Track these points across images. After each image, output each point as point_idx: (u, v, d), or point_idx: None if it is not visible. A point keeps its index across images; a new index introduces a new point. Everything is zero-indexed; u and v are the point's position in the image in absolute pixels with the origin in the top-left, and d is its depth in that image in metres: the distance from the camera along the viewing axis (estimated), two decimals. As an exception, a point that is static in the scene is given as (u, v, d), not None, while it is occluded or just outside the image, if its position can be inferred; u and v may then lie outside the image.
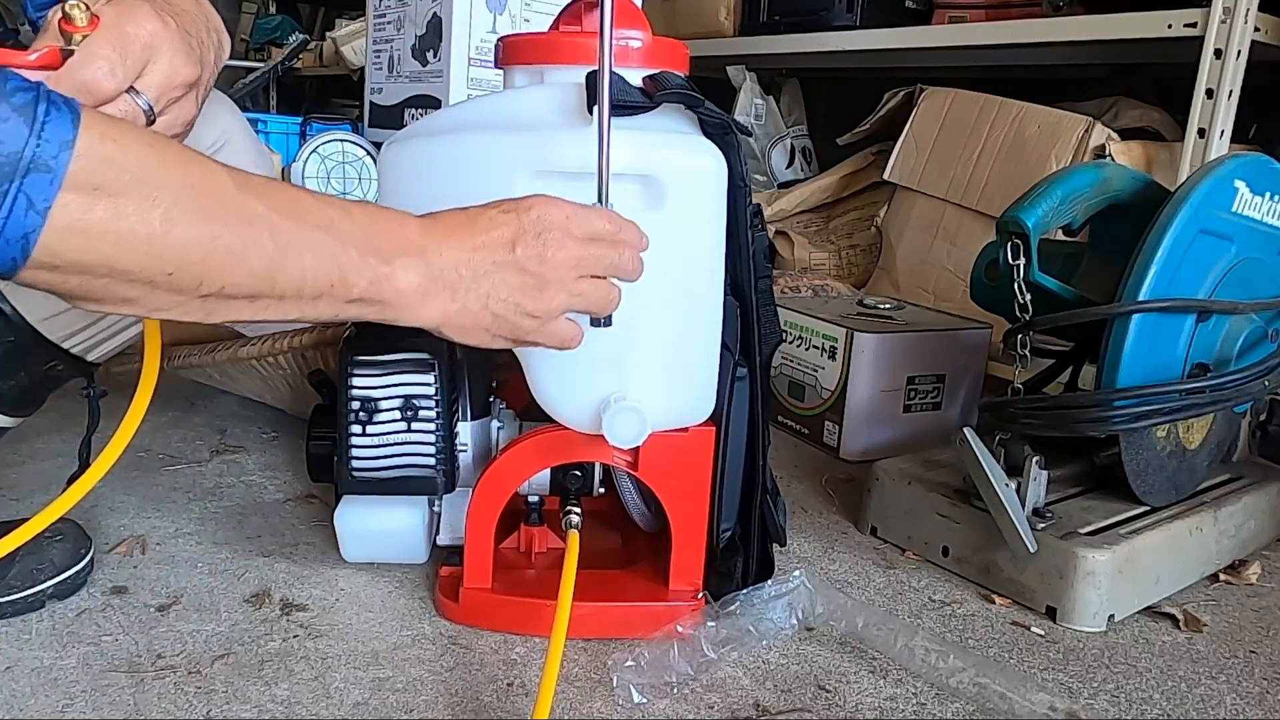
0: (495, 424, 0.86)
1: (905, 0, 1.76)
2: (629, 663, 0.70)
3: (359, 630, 0.77)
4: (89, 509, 0.94)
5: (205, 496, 1.01)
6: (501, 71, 0.80)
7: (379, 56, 1.87)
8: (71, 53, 0.55)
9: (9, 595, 0.75)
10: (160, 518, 0.95)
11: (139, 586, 0.81)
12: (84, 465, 0.81)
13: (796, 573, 0.82)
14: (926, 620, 0.85)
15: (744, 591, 0.80)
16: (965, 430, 0.88)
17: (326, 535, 0.92)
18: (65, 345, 0.72)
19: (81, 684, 0.68)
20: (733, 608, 0.78)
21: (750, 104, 1.97)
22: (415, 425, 0.79)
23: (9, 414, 0.73)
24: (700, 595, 0.80)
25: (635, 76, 0.72)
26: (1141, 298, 0.83)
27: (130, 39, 0.56)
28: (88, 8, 0.53)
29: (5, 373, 0.71)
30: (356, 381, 0.78)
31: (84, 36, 0.55)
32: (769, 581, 0.82)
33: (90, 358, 0.76)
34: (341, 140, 1.82)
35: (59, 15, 0.53)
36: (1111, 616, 0.85)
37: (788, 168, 2.05)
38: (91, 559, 0.81)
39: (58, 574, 0.77)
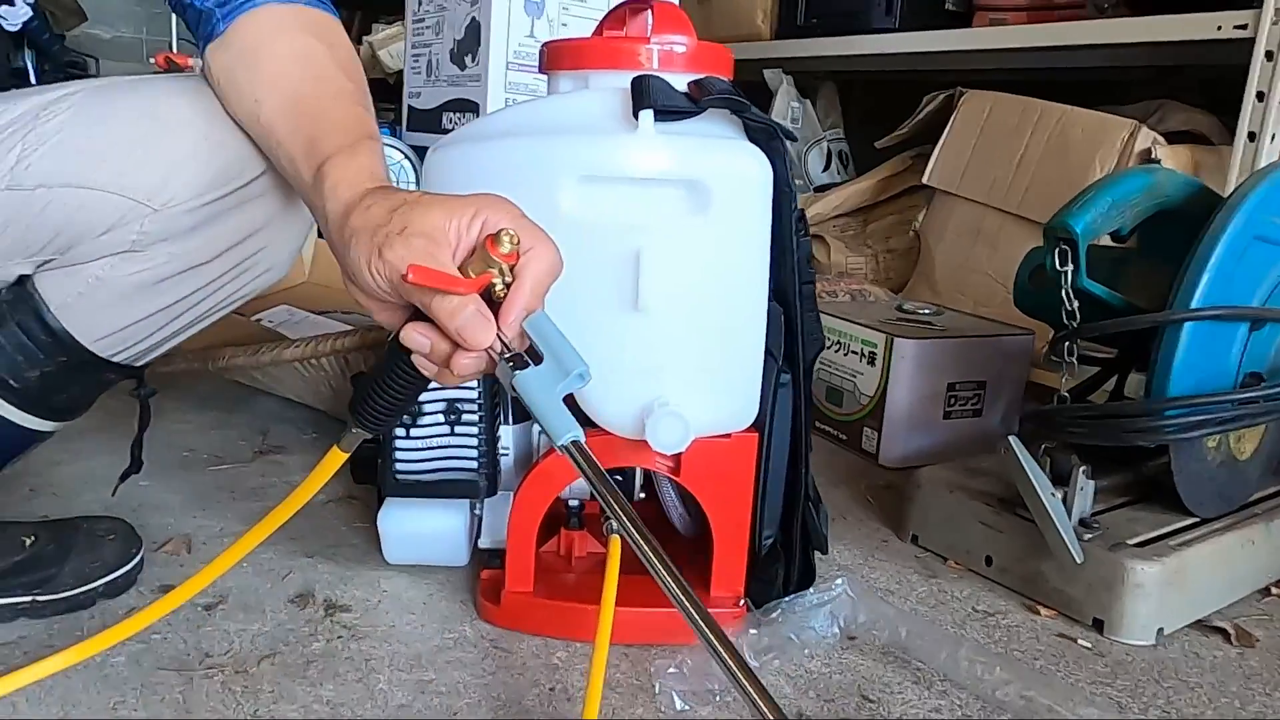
0: (536, 428, 0.87)
1: (945, 2, 1.75)
2: (671, 670, 0.70)
3: (401, 632, 0.77)
4: (136, 507, 0.96)
5: (249, 496, 1.02)
6: (545, 77, 0.80)
7: (417, 61, 1.89)
8: (489, 284, 0.53)
9: (61, 593, 0.76)
10: (205, 517, 0.96)
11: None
12: (136, 463, 0.82)
13: (838, 581, 0.82)
14: (970, 631, 0.84)
15: (786, 599, 0.80)
16: (1010, 438, 0.86)
17: (368, 536, 0.92)
18: (115, 360, 0.73)
19: (132, 682, 0.69)
20: (774, 615, 0.78)
21: (787, 107, 1.96)
22: (458, 429, 0.79)
23: (58, 419, 0.75)
24: (742, 602, 0.80)
25: (680, 81, 0.72)
26: (1194, 305, 0.82)
27: (538, 300, 0.55)
28: (517, 242, 0.53)
29: (59, 388, 0.72)
30: (401, 385, 0.79)
31: (501, 266, 0.53)
32: (811, 589, 0.81)
33: (138, 364, 0.77)
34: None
35: (489, 233, 0.53)
36: (1160, 630, 0.83)
37: (824, 171, 2.04)
38: (141, 558, 0.82)
39: (109, 573, 0.78)
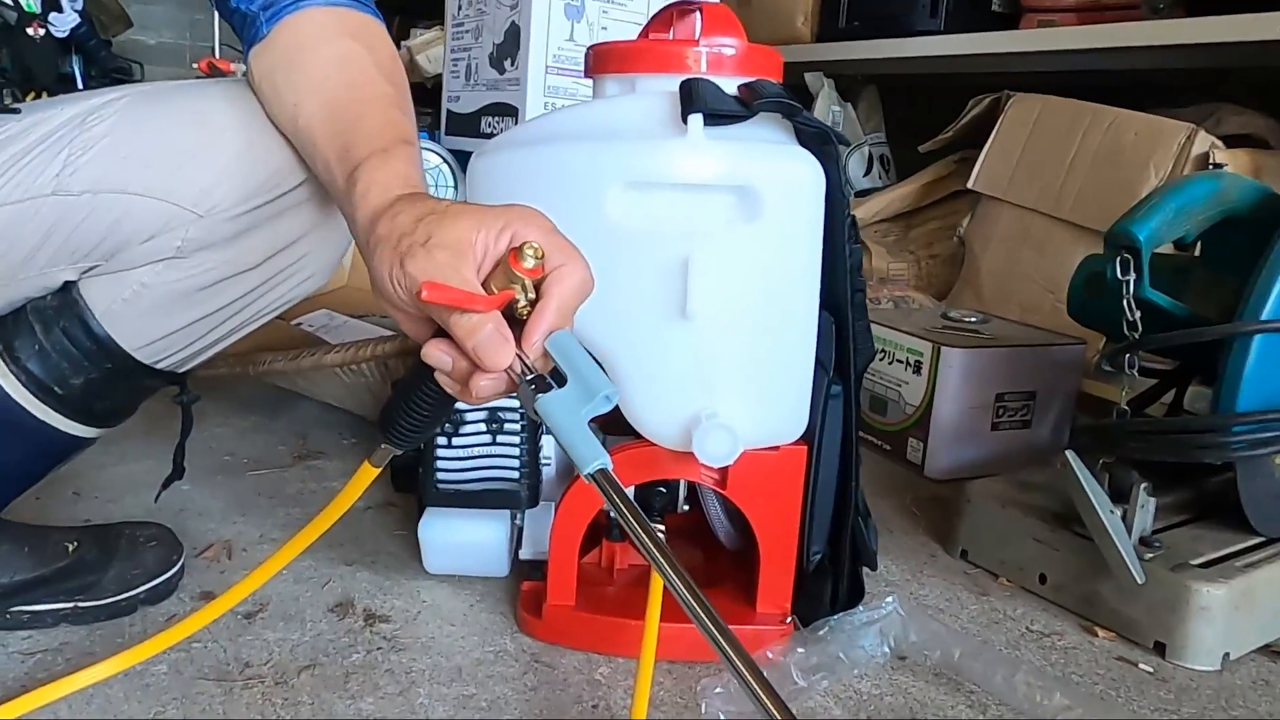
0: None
1: (991, 4, 1.71)
2: (718, 690, 0.68)
3: (442, 644, 0.76)
4: (178, 512, 0.96)
5: (288, 502, 1.02)
6: (589, 80, 0.79)
7: (456, 65, 1.88)
8: (511, 301, 0.51)
9: (104, 599, 0.76)
10: (245, 523, 0.96)
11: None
12: (178, 470, 0.82)
13: (888, 598, 0.79)
14: (1025, 652, 0.81)
15: (834, 617, 0.77)
16: (1067, 453, 0.84)
17: (407, 544, 0.91)
18: (159, 366, 0.73)
19: (172, 690, 0.68)
20: (822, 633, 0.76)
21: (827, 111, 1.93)
22: (500, 439, 0.78)
23: (101, 425, 0.74)
24: (789, 619, 0.78)
25: (730, 85, 0.71)
26: (1265, 317, 0.79)
27: (565, 320, 0.53)
28: (541, 257, 0.51)
29: (102, 395, 0.72)
30: (443, 393, 0.78)
31: (525, 282, 0.51)
32: (859, 606, 0.79)
33: (181, 370, 0.77)
34: (420, 148, 1.84)
35: (512, 247, 0.51)
36: (1227, 655, 0.80)
37: (865, 176, 2.01)
38: (182, 564, 0.81)
39: (150, 580, 0.78)
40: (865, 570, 0.82)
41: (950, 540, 1.00)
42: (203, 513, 0.97)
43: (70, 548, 0.77)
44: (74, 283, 0.69)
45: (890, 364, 1.26)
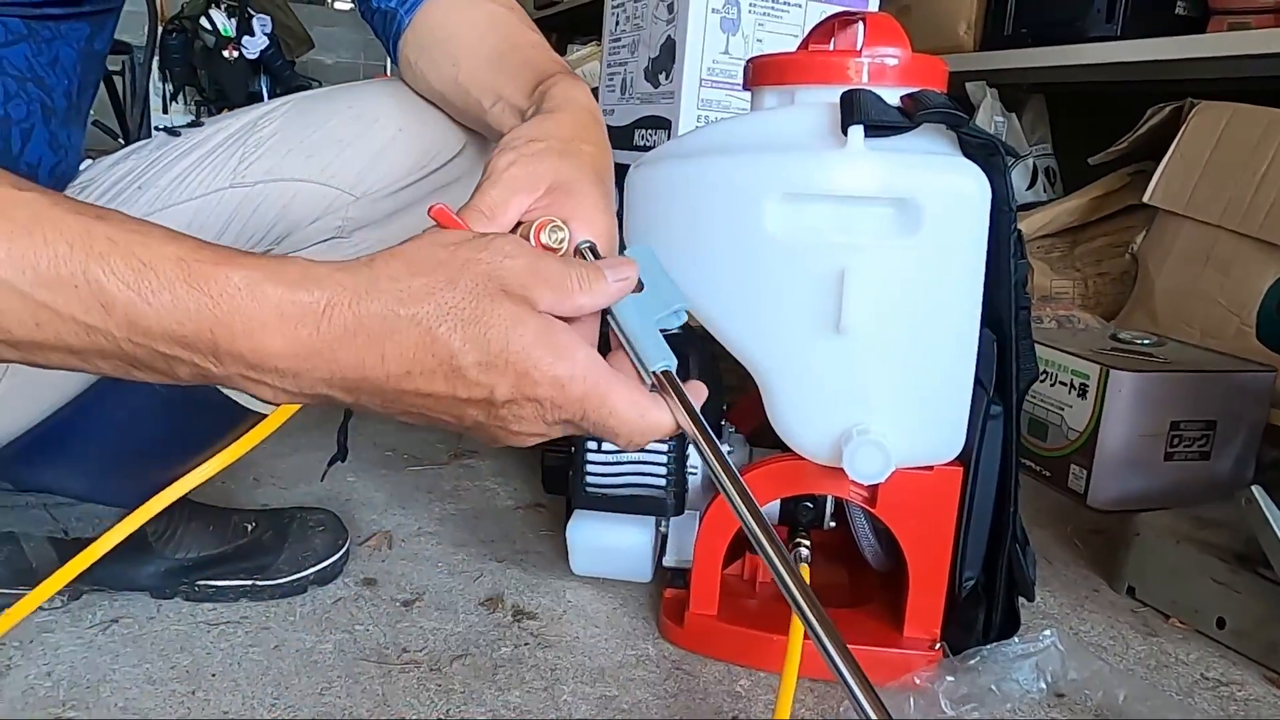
0: (725, 448, 0.85)
1: (1175, 7, 1.61)
2: (862, 711, 0.67)
3: (586, 645, 0.78)
4: (344, 502, 1.02)
5: (444, 498, 1.06)
6: (746, 93, 0.79)
7: (612, 79, 1.92)
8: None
9: (279, 579, 0.82)
10: (405, 515, 1.01)
11: (386, 580, 0.86)
12: (341, 450, 0.87)
13: (1046, 632, 0.75)
14: (1199, 700, 0.75)
15: (986, 647, 0.74)
16: (1254, 488, 0.77)
17: (554, 545, 0.94)
18: None
19: (337, 669, 0.72)
20: (973, 663, 0.73)
21: (989, 122, 1.86)
22: (650, 446, 0.79)
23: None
24: (937, 646, 0.75)
25: (892, 96, 0.69)
26: None
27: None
28: (564, 226, 0.49)
29: None
30: (594, 398, 0.79)
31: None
32: (1014, 638, 0.76)
33: None
34: (574, 160, 1.88)
35: (536, 221, 0.49)
36: None
37: (1028, 189, 1.92)
38: (347, 550, 0.86)
39: (319, 562, 0.83)
40: (1021, 601, 0.78)
41: (1115, 575, 0.94)
42: (366, 503, 1.03)
43: (249, 528, 0.84)
44: None
45: (1052, 386, 1.20)
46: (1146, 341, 1.26)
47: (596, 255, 0.50)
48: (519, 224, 0.50)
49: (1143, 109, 1.65)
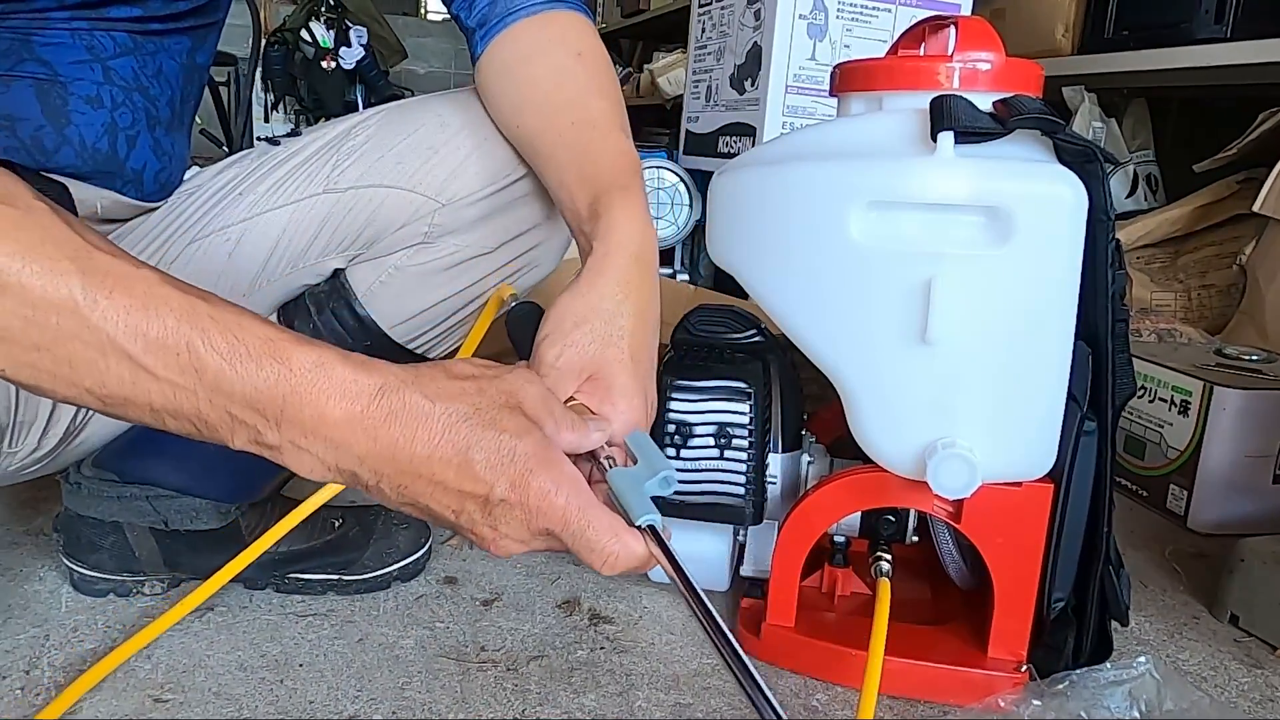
0: (805, 458, 0.84)
1: (1291, 6, 1.53)
2: (943, 732, 0.65)
3: (661, 651, 0.78)
4: (427, 501, 1.04)
5: (523, 500, 1.07)
6: (833, 99, 0.78)
7: (698, 86, 1.93)
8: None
9: (364, 574, 0.84)
10: (485, 516, 1.02)
11: (466, 579, 0.88)
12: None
13: (1141, 659, 0.72)
14: (1309, 738, 0.71)
15: (1076, 671, 0.71)
16: (1373, 516, 0.73)
17: (631, 551, 0.94)
18: (409, 346, 0.82)
19: (417, 665, 0.74)
20: (1061, 687, 0.70)
21: (1088, 127, 1.80)
22: (728, 454, 0.79)
23: None
24: (1023, 668, 0.73)
25: (984, 101, 0.68)
26: None
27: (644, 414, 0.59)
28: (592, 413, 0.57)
29: None
30: (674, 405, 0.80)
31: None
32: (1106, 663, 0.73)
33: (429, 355, 0.85)
34: (658, 168, 1.89)
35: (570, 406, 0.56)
36: None
37: (1128, 197, 1.85)
38: (430, 548, 0.88)
39: (403, 558, 0.85)
40: (1114, 625, 0.75)
41: (1217, 602, 0.90)
42: (448, 503, 1.05)
43: (336, 524, 0.86)
44: (342, 269, 0.79)
45: (1151, 402, 1.15)
46: (1254, 358, 1.20)
47: None
48: None
49: (1253, 114, 1.58)
